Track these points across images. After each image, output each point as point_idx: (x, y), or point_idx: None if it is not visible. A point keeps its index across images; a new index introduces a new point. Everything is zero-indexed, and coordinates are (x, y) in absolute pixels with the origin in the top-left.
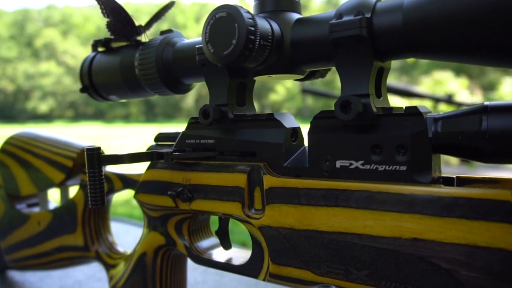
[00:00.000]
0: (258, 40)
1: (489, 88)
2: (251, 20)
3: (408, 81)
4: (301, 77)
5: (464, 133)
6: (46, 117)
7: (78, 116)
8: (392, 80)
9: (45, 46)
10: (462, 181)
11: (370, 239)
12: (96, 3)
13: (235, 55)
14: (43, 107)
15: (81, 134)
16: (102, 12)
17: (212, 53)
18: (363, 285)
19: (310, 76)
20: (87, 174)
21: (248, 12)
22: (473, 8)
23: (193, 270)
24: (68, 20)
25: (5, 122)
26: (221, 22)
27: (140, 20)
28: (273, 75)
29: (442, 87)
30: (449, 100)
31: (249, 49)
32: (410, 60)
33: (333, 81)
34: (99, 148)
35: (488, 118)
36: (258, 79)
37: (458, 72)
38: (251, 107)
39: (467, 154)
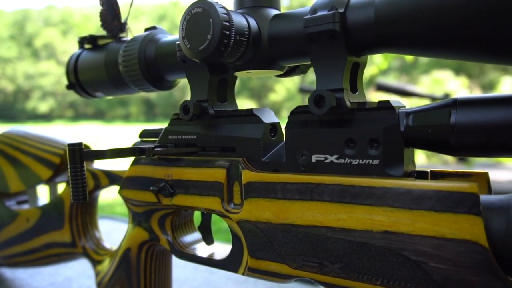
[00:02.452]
0: (233, 35)
1: (488, 87)
2: (226, 16)
3: (408, 81)
4: (281, 72)
5: (433, 126)
6: (46, 117)
7: (78, 116)
8: (392, 79)
9: (44, 46)
10: (436, 175)
11: (343, 232)
12: (95, 3)
13: (210, 50)
14: (43, 107)
15: (81, 134)
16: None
17: (189, 48)
18: (337, 278)
19: (291, 72)
20: (69, 169)
21: (224, 7)
22: (441, 3)
23: (183, 268)
24: (67, 20)
25: (5, 122)
26: (197, 18)
27: (141, 20)
28: (252, 71)
29: (441, 86)
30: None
31: (224, 44)
32: (410, 59)
33: None
34: (81, 144)
35: (457, 112)
36: (238, 75)
37: (457, 72)
38: (232, 103)
39: (438, 147)
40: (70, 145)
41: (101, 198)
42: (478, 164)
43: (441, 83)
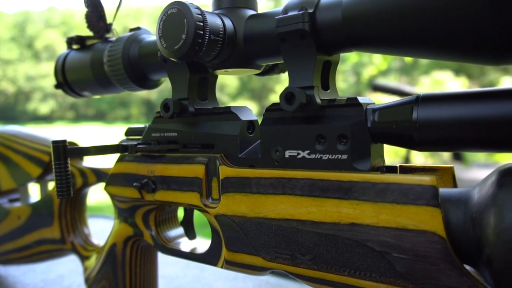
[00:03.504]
0: (207, 35)
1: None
2: (199, 16)
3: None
4: (258, 71)
5: (397, 122)
6: (47, 118)
7: (78, 117)
8: (392, 80)
9: (45, 47)
10: (405, 170)
11: (313, 225)
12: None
13: (185, 49)
14: (44, 108)
15: (82, 135)
16: (84, 1)
17: (165, 47)
18: (308, 269)
19: (269, 71)
20: (53, 166)
21: (198, 8)
22: (403, 4)
23: (174, 265)
24: (68, 22)
25: (6, 123)
26: (172, 18)
27: (141, 21)
28: (229, 69)
29: (441, 87)
30: None
31: (198, 44)
32: (409, 60)
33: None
34: (65, 141)
35: (419, 108)
36: (218, 73)
37: (457, 72)
38: (213, 101)
39: (402, 142)
40: (54, 142)
41: (101, 198)
42: (475, 165)
43: (441, 84)
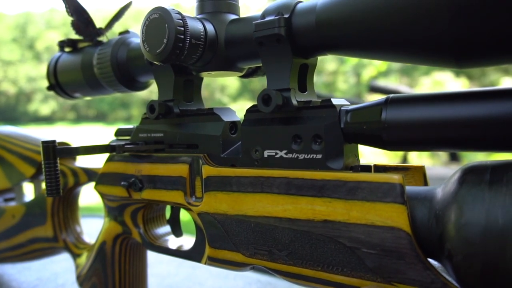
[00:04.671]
0: (188, 39)
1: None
2: (180, 21)
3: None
4: (240, 74)
5: (368, 123)
6: (48, 119)
7: (79, 118)
8: (392, 81)
9: (46, 48)
10: (379, 169)
11: (289, 222)
12: (96, 5)
13: (166, 52)
14: (45, 109)
15: (83, 136)
16: (67, 11)
17: (148, 51)
18: (284, 265)
19: (252, 73)
20: (43, 165)
21: (179, 13)
22: (369, 11)
23: (167, 263)
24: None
25: (7, 125)
26: (155, 23)
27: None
28: (212, 72)
29: (442, 88)
30: None
31: (179, 47)
32: None
33: (334, 82)
34: (54, 141)
35: (387, 109)
36: (203, 76)
37: (458, 73)
38: (199, 102)
39: (372, 142)
40: (44, 142)
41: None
42: None
43: (441, 85)
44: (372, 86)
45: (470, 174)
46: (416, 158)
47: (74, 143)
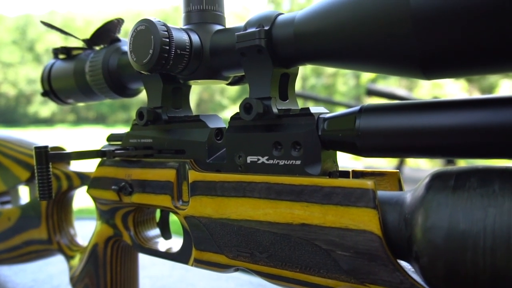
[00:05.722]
0: (173, 50)
1: (488, 91)
2: (165, 33)
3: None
4: (226, 82)
5: (343, 130)
6: (48, 121)
7: (79, 120)
8: (392, 83)
9: (46, 51)
10: (357, 174)
11: (269, 225)
12: (97, 6)
13: (152, 62)
14: (45, 111)
15: (83, 138)
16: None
17: (135, 61)
18: (265, 266)
19: (238, 81)
20: (35, 170)
21: (165, 25)
22: (342, 24)
23: (161, 265)
24: (69, 25)
25: (7, 127)
26: (141, 35)
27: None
28: (199, 81)
29: (441, 90)
30: None
31: (164, 58)
32: None
33: (333, 84)
34: (46, 147)
35: (361, 118)
36: (190, 83)
37: None
38: (187, 109)
39: (348, 149)
40: (36, 147)
41: None
42: None
43: (440, 87)
44: (369, 89)
45: (437, 180)
46: (413, 160)
47: (73, 145)
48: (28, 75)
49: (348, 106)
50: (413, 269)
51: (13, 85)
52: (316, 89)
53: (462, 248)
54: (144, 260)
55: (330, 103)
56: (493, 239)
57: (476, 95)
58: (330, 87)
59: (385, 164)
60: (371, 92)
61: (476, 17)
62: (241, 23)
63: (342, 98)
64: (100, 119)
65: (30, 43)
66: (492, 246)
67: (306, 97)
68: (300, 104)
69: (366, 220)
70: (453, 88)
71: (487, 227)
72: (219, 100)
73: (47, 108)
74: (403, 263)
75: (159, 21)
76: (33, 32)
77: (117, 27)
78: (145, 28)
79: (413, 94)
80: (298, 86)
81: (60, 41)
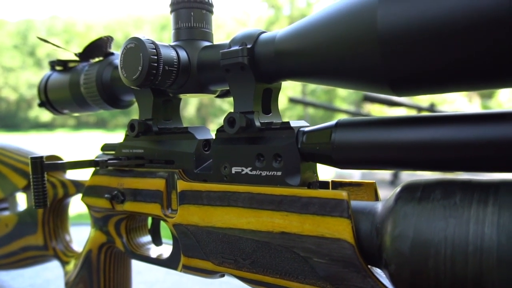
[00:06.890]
0: (161, 66)
1: (487, 96)
2: (154, 50)
3: None
4: (213, 95)
5: (319, 144)
6: (48, 126)
7: (80, 124)
8: None
9: (47, 55)
10: (336, 185)
11: (252, 233)
12: (99, 11)
13: (141, 78)
14: (46, 116)
15: (83, 142)
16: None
17: (125, 77)
18: (248, 272)
19: (226, 94)
20: (31, 179)
21: (153, 43)
22: (317, 45)
23: (156, 271)
24: (70, 29)
25: (8, 131)
26: (131, 52)
27: (142, 29)
28: (188, 94)
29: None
30: (431, 109)
31: (153, 74)
32: None
33: (334, 89)
34: (42, 157)
35: (336, 132)
36: (180, 97)
37: None
38: (177, 120)
39: (324, 161)
40: (32, 158)
41: None
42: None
43: None
44: (365, 95)
45: (405, 191)
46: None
47: (73, 150)
48: (29, 80)
49: (347, 113)
50: (384, 275)
51: (14, 89)
52: (317, 94)
53: (425, 256)
54: (139, 265)
55: (329, 109)
56: (453, 248)
57: (476, 98)
58: (331, 92)
59: (382, 171)
60: (367, 98)
61: (439, 40)
62: (241, 27)
63: (342, 103)
64: (101, 124)
65: (31, 48)
66: (452, 254)
67: (306, 104)
68: (301, 110)
69: (340, 229)
70: (453, 93)
71: (448, 237)
72: (219, 104)
73: (48, 113)
74: (377, 270)
75: (148, 39)
76: (34, 37)
77: (107, 43)
78: (135, 46)
79: (411, 99)
80: (298, 90)
81: (60, 45)
